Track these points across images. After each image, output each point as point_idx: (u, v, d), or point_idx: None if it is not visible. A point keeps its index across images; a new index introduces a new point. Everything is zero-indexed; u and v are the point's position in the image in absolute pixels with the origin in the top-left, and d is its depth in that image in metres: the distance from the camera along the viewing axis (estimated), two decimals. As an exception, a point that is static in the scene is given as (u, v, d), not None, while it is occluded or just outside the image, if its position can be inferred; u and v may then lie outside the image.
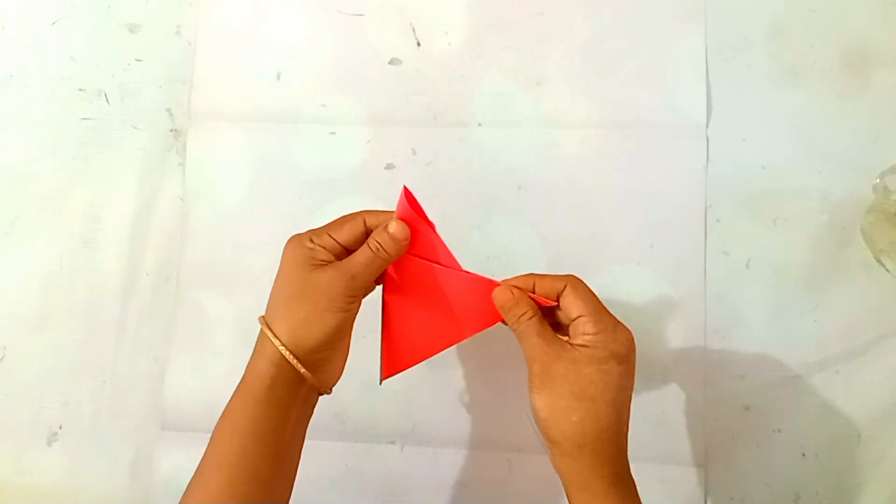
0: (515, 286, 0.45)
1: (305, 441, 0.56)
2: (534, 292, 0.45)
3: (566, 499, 0.44)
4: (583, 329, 0.43)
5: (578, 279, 0.45)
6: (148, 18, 0.66)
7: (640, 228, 0.59)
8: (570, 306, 0.44)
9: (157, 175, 0.64)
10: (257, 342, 0.45)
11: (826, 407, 0.57)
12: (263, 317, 0.45)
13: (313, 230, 0.46)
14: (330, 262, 0.44)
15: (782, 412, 0.57)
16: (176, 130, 0.65)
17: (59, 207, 0.64)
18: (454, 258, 0.46)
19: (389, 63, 0.63)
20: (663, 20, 0.61)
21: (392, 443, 0.60)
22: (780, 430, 0.57)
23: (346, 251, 0.45)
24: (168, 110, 0.65)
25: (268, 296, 0.60)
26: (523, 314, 0.44)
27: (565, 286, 0.44)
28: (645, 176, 0.60)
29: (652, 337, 0.58)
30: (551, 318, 0.46)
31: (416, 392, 0.59)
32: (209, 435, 0.59)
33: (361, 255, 0.44)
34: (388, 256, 0.44)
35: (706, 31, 0.60)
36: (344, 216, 0.46)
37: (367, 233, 0.46)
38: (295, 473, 0.46)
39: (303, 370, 0.43)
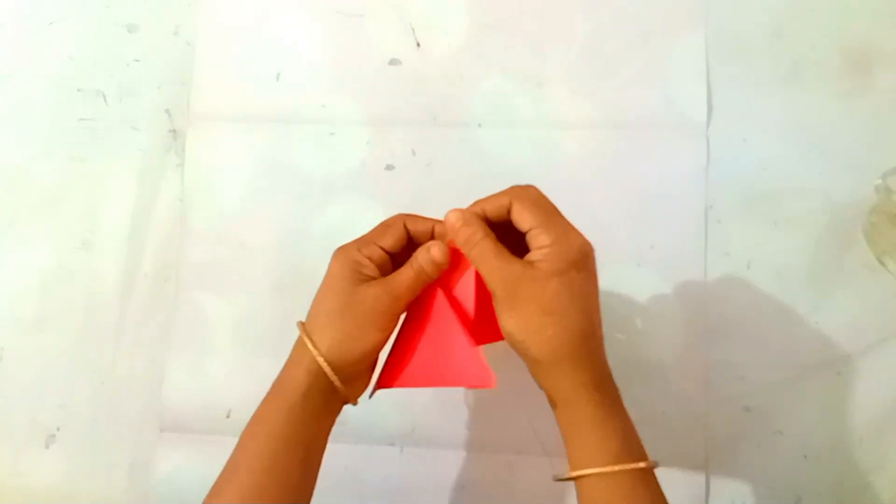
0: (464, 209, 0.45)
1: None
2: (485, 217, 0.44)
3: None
4: (537, 242, 0.42)
5: (523, 188, 0.44)
6: (147, 18, 0.66)
7: (641, 229, 0.59)
8: (520, 220, 0.43)
9: (155, 176, 0.64)
10: (294, 349, 0.45)
11: (828, 408, 0.56)
12: (303, 324, 0.45)
13: (359, 240, 0.46)
14: (375, 277, 0.45)
15: (784, 414, 0.57)
16: (175, 131, 0.64)
17: (56, 208, 0.64)
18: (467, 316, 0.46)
19: (389, 63, 0.63)
20: (664, 20, 0.61)
21: (391, 445, 0.59)
22: (781, 432, 0.57)
23: (391, 258, 0.46)
24: (167, 111, 0.65)
25: (268, 296, 0.61)
26: (473, 233, 0.43)
27: (510, 200, 0.44)
28: (645, 176, 0.59)
29: (652, 338, 0.58)
30: (513, 238, 0.45)
31: (416, 394, 0.59)
32: (208, 437, 0.59)
33: (405, 275, 0.45)
34: (429, 277, 0.45)
35: (707, 31, 0.60)
36: (384, 222, 0.47)
37: (409, 237, 0.46)
38: (316, 480, 0.46)
39: (338, 383, 0.44)
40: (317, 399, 0.44)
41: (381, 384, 0.48)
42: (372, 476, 0.59)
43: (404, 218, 0.47)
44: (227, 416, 0.59)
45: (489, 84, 0.62)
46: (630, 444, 0.42)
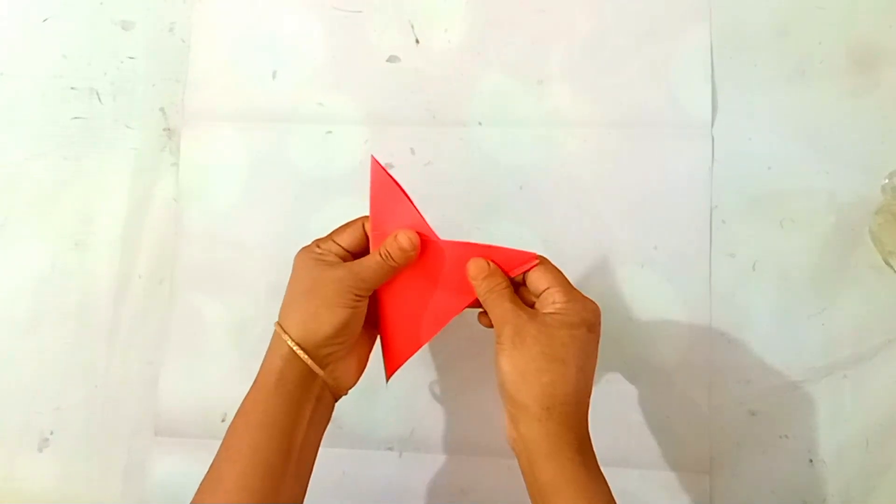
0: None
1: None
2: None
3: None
4: (552, 299, 0.44)
5: (543, 257, 0.47)
6: (141, 15, 0.65)
7: (644, 229, 0.58)
8: (539, 280, 0.45)
9: (150, 175, 0.63)
10: (270, 344, 0.46)
11: (834, 412, 0.56)
12: (278, 322, 0.46)
13: (318, 238, 0.48)
14: (338, 263, 0.46)
15: (789, 418, 0.56)
16: (169, 130, 0.64)
17: (49, 208, 0.63)
18: (431, 229, 0.47)
19: (388, 61, 0.62)
20: (667, 17, 0.60)
21: (390, 449, 0.59)
22: (786, 436, 0.56)
23: (351, 256, 0.48)
24: (161, 109, 0.64)
25: (264, 297, 0.61)
26: (498, 283, 0.45)
27: (534, 264, 0.46)
28: (649, 176, 0.59)
29: (656, 340, 0.57)
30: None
31: (415, 398, 0.59)
32: (204, 440, 0.59)
33: (371, 260, 0.46)
34: (396, 265, 0.46)
35: (711, 28, 0.60)
36: (343, 224, 0.49)
37: (367, 237, 0.48)
38: (308, 477, 0.46)
39: (310, 362, 0.44)
40: (293, 384, 0.44)
41: (393, 365, 0.49)
42: (371, 481, 0.59)
43: (363, 219, 0.48)
44: (223, 420, 0.59)
45: (489, 82, 0.61)
46: None
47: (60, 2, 0.66)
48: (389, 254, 0.46)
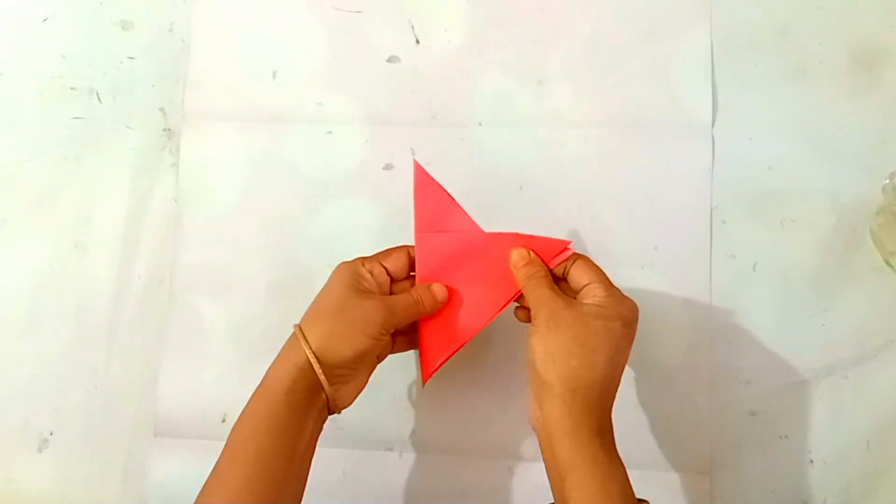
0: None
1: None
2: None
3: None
4: (593, 293, 0.46)
5: (585, 255, 0.49)
6: (141, 15, 0.65)
7: (644, 230, 0.58)
8: (581, 275, 0.47)
9: (149, 175, 0.63)
10: (285, 347, 0.47)
11: (834, 413, 0.56)
12: (299, 325, 0.47)
13: (362, 257, 0.50)
14: (373, 293, 0.48)
15: (789, 418, 0.56)
16: (169, 130, 0.64)
17: (48, 209, 0.63)
18: (475, 222, 0.50)
19: (388, 61, 0.62)
20: (668, 17, 0.60)
21: (390, 449, 0.59)
22: (787, 437, 0.56)
23: (391, 280, 0.50)
24: (161, 109, 0.64)
25: (263, 298, 0.60)
26: (537, 270, 0.48)
27: (575, 260, 0.48)
28: (649, 176, 0.59)
29: (656, 341, 0.57)
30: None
31: (415, 398, 0.58)
32: (203, 441, 0.59)
33: (404, 299, 0.49)
34: (425, 310, 0.49)
35: (712, 28, 0.60)
36: (390, 248, 0.51)
37: (411, 263, 0.51)
38: (306, 481, 0.46)
39: (323, 378, 0.45)
40: (302, 395, 0.45)
41: (430, 367, 0.50)
42: (370, 481, 0.58)
43: (408, 247, 0.51)
44: (223, 421, 0.59)
45: (490, 82, 0.61)
46: (626, 489, 0.42)
47: (60, 2, 0.66)
48: (422, 299, 0.49)
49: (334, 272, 0.49)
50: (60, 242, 0.63)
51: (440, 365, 0.50)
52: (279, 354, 0.47)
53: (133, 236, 0.62)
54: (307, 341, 0.45)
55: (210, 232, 0.62)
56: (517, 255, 0.48)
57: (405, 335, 0.52)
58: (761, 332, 0.57)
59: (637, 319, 0.46)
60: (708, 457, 0.56)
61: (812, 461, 0.56)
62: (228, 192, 0.62)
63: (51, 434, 0.61)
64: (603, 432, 0.43)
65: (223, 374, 0.60)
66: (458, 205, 0.50)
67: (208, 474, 0.44)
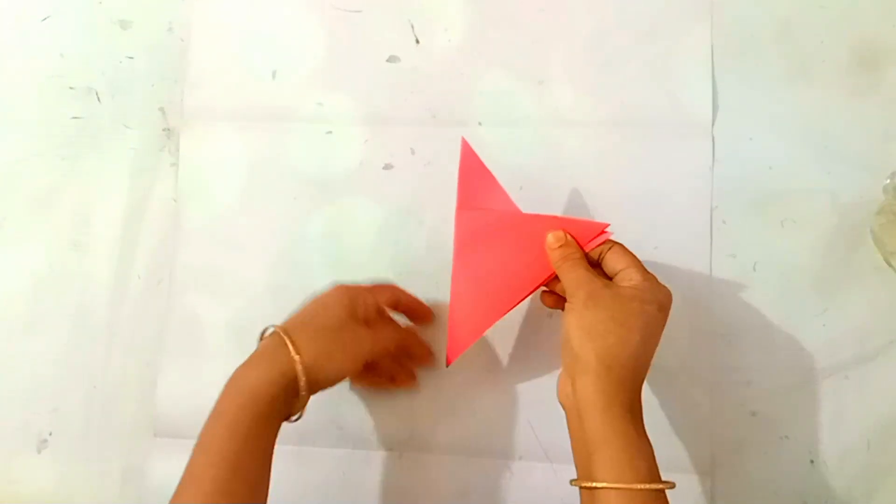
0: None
1: (302, 447, 0.58)
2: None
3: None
4: (629, 276, 0.47)
5: (621, 243, 0.50)
6: (140, 15, 0.65)
7: (645, 230, 0.58)
8: (617, 260, 0.48)
9: (148, 175, 0.63)
10: (268, 349, 0.47)
11: (835, 413, 0.56)
12: (284, 328, 0.48)
13: (363, 286, 0.53)
14: (363, 326, 0.50)
15: (790, 419, 0.56)
16: (168, 129, 0.64)
17: (47, 209, 0.63)
18: (514, 203, 0.51)
19: (387, 60, 0.62)
20: (668, 16, 0.60)
21: (391, 450, 0.58)
22: (787, 437, 0.56)
23: (379, 313, 0.53)
24: (160, 109, 0.64)
25: (263, 298, 0.60)
26: (573, 252, 0.49)
27: (611, 246, 0.49)
28: (649, 176, 0.59)
29: (656, 341, 0.57)
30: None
31: (416, 399, 0.58)
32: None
33: (396, 334, 0.53)
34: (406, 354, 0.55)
35: (712, 28, 0.59)
36: (383, 285, 0.55)
37: (396, 304, 0.55)
38: (269, 486, 0.47)
39: (304, 392, 0.46)
40: (283, 403, 0.46)
41: (458, 347, 0.51)
42: (371, 481, 0.58)
43: (398, 290, 0.55)
44: (223, 421, 0.58)
45: (490, 81, 0.61)
46: (652, 467, 0.43)
47: (59, 1, 0.66)
48: (410, 347, 0.55)
49: (333, 293, 0.50)
50: (60, 242, 0.63)
51: (466, 346, 0.51)
52: (261, 356, 0.47)
53: (132, 236, 0.62)
54: (300, 354, 0.46)
55: (209, 232, 0.62)
56: (553, 238, 0.49)
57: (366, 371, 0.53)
58: (762, 333, 0.57)
59: (670, 305, 0.47)
60: (708, 457, 0.56)
61: (813, 461, 0.55)
62: (228, 192, 0.62)
63: (50, 434, 0.61)
64: (634, 411, 0.44)
65: (223, 374, 0.59)
66: (500, 185, 0.51)
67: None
